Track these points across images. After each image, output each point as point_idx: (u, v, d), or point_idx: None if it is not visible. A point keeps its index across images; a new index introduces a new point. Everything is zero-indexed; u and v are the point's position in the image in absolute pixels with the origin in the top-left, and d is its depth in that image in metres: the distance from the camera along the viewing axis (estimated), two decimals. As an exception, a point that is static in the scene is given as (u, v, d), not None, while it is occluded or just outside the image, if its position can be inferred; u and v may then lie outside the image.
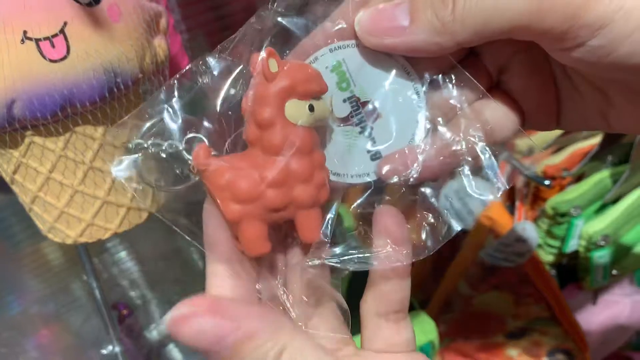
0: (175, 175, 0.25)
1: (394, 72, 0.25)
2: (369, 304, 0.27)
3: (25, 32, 0.32)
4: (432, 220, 0.26)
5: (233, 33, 0.27)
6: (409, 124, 0.26)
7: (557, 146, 0.72)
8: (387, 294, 0.26)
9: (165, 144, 0.25)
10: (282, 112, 0.23)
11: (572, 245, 0.69)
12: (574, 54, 0.21)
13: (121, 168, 0.25)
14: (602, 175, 0.67)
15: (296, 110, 0.24)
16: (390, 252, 0.25)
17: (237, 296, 0.24)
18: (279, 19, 0.26)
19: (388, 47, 0.23)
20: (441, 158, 0.25)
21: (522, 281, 0.69)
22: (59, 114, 0.34)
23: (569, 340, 0.70)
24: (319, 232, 0.25)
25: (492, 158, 0.25)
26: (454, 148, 0.25)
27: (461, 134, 0.25)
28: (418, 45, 0.22)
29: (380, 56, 0.25)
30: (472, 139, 0.25)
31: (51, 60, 0.32)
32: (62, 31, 0.33)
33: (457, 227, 0.25)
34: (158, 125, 0.25)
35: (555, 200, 0.68)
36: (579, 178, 0.70)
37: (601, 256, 0.68)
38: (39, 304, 0.59)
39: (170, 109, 0.25)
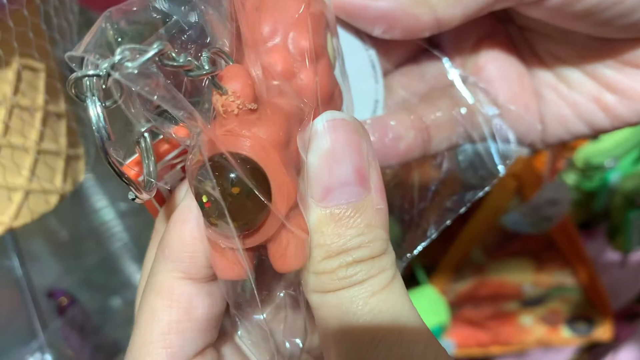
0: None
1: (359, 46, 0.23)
2: None
3: None
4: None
5: None
6: (368, 96, 0.24)
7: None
8: None
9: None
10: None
11: (605, 202, 0.59)
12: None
13: None
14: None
15: (330, 47, 0.21)
16: None
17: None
18: None
19: (363, 7, 0.21)
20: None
21: (546, 247, 0.59)
22: None
23: (591, 307, 0.65)
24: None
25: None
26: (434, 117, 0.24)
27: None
28: (395, 13, 0.21)
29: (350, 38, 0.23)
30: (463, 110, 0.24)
31: None
32: None
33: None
34: None
35: (587, 150, 0.57)
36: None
37: (639, 216, 0.58)
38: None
39: None
